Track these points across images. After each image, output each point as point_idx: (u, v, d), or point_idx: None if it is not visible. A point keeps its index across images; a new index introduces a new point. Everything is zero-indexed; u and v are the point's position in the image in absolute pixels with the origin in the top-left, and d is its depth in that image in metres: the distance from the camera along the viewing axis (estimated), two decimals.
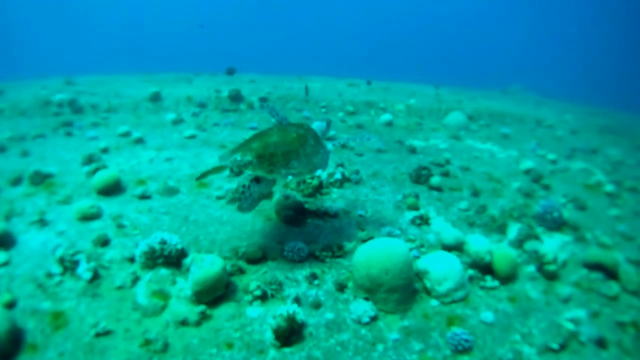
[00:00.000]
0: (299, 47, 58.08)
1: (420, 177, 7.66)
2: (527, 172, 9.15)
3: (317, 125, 6.78)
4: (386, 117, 11.89)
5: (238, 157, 4.38)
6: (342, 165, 8.04)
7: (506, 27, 71.12)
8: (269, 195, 6.55)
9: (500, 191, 7.95)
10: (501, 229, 6.47)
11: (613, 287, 5.73)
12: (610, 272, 5.91)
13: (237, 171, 4.90)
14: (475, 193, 7.58)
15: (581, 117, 17.25)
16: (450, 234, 5.69)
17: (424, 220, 6.30)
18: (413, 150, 9.52)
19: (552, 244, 6.48)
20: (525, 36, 69.18)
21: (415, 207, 6.69)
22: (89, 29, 58.51)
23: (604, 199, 8.74)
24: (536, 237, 6.28)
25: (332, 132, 9.63)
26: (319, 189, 6.90)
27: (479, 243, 5.30)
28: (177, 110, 11.46)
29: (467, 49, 66.69)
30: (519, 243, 6.15)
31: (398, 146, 9.84)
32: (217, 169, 4.69)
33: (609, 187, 9.02)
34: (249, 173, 4.49)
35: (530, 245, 6.02)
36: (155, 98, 12.01)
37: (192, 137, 9.36)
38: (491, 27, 71.98)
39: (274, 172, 4.41)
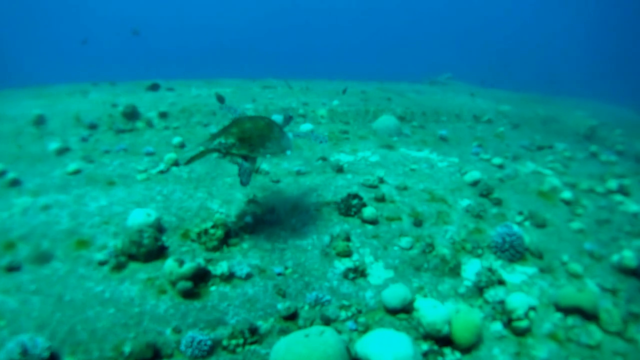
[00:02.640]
0: (209, 47, 56.33)
1: (350, 208, 6.81)
2: (474, 184, 8.57)
3: (275, 118, 7.75)
4: (306, 127, 10.95)
5: (222, 140, 5.53)
6: (254, 200, 7.03)
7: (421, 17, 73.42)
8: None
9: (446, 215, 7.27)
10: (454, 272, 5.78)
11: (594, 334, 5.28)
12: (588, 314, 5.43)
13: (224, 152, 5.61)
14: (418, 222, 6.84)
15: (519, 107, 17.22)
16: (395, 293, 4.87)
17: (359, 273, 5.49)
18: (340, 169, 8.65)
19: (515, 279, 5.98)
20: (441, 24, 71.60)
21: (347, 253, 5.84)
22: None
23: (562, 209, 8.40)
24: (499, 281, 5.55)
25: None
26: (225, 239, 5.88)
27: (433, 312, 4.53)
28: (63, 135, 9.98)
29: (388, 40, 68.08)
30: (478, 291, 5.42)
31: (321, 165, 8.95)
32: (204, 153, 5.70)
33: (566, 194, 8.69)
34: (235, 151, 5.48)
35: (492, 293, 5.32)
36: (39, 121, 10.43)
37: (77, 172, 8.12)
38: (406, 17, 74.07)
39: (254, 152, 5.54)
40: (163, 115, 11.24)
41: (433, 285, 5.55)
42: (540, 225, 7.53)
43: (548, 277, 6.14)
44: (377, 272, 5.66)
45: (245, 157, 5.75)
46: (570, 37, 62.16)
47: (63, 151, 9.06)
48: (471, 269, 5.97)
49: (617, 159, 12.20)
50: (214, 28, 65.48)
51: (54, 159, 8.73)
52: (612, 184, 9.70)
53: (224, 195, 7.35)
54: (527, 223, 7.56)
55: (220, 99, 12.53)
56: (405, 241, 6.26)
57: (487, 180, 8.89)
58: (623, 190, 9.58)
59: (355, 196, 6.96)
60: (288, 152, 6.04)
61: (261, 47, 59.60)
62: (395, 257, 6.02)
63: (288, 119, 7.28)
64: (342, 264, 5.72)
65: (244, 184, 5.76)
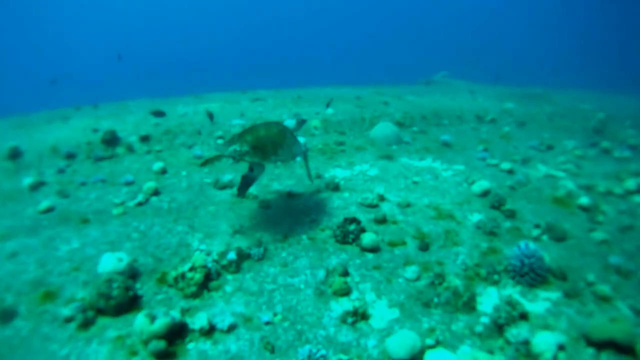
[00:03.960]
0: (199, 61, 55.72)
1: (347, 235, 6.07)
2: (484, 195, 7.84)
3: (288, 123, 7.45)
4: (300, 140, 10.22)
5: (237, 147, 5.66)
6: (240, 231, 6.36)
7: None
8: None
9: (455, 234, 6.54)
10: (469, 306, 5.03)
11: None
12: (623, 348, 4.65)
13: (237, 159, 5.78)
14: (424, 245, 6.11)
15: (523, 104, 16.52)
16: (401, 341, 4.14)
17: (359, 315, 4.71)
18: (335, 187, 7.93)
19: (539, 308, 5.20)
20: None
21: (345, 292, 5.11)
22: None
23: (581, 216, 7.70)
24: (521, 315, 4.77)
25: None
26: (205, 282, 5.15)
27: None
28: (40, 168, 9.31)
29: (380, 44, 67.70)
30: (498, 329, 4.64)
31: (315, 183, 8.18)
32: (218, 157, 5.90)
33: (584, 200, 7.95)
34: (249, 158, 5.67)
35: (515, 332, 4.55)
36: (14, 154, 9.69)
37: (50, 210, 7.47)
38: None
39: (266, 160, 5.71)
40: (145, 138, 10.56)
41: (445, 324, 4.80)
42: (560, 238, 6.79)
43: (574, 303, 5.38)
44: (381, 312, 4.92)
45: (256, 166, 6.21)
46: (565, 25, 61.69)
47: (37, 186, 8.38)
48: (488, 300, 5.22)
49: (631, 155, 11.50)
50: (203, 41, 64.84)
51: (27, 196, 8.05)
52: (631, 183, 9.01)
53: (207, 227, 6.65)
54: (545, 237, 6.83)
55: (210, 115, 11.84)
56: (411, 271, 5.52)
57: (498, 189, 8.19)
58: None
59: (353, 220, 6.22)
60: (298, 159, 6.31)
61: (252, 58, 59.04)
62: (401, 292, 5.28)
63: (300, 123, 7.47)
64: (339, 305, 4.98)
65: (240, 196, 6.42)
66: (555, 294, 5.49)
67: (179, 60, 55.48)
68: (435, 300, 5.07)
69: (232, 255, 5.62)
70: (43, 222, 7.00)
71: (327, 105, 8.25)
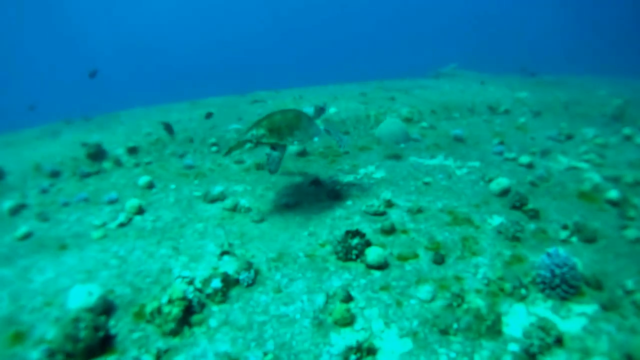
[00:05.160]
0: (198, 66, 55.19)
1: (350, 250, 5.31)
2: (503, 194, 7.07)
3: (306, 110, 7.88)
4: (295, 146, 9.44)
5: (254, 132, 6.17)
6: (228, 251, 5.61)
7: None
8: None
9: (474, 242, 5.79)
10: (494, 330, 4.24)
11: None
12: None
13: (255, 142, 6.10)
14: (439, 257, 5.35)
15: (537, 93, 15.59)
16: None
17: (364, 351, 3.95)
18: (337, 195, 7.16)
19: (574, 327, 4.45)
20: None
21: (347, 321, 4.36)
22: None
23: (610, 212, 6.98)
24: (556, 340, 3.97)
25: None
26: (186, 317, 4.41)
27: None
28: (23, 189, 8.66)
29: (385, 37, 66.90)
30: (529, 358, 3.82)
31: (314, 190, 7.46)
32: (240, 144, 6.49)
33: (612, 194, 7.20)
34: (266, 140, 6.12)
35: None
36: None
37: (27, 236, 6.84)
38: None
39: (282, 140, 6.12)
40: (132, 150, 9.89)
41: (467, 356, 4.03)
42: (590, 239, 6.03)
43: (614, 317, 4.62)
44: (390, 345, 4.16)
45: (274, 146, 6.32)
46: (575, 12, 60.59)
47: (18, 209, 7.75)
48: (516, 320, 4.45)
49: None
50: (203, 45, 64.22)
51: (6, 221, 7.44)
52: None
53: (193, 249, 5.96)
54: (574, 239, 6.07)
55: (210, 114, 11.53)
56: (424, 291, 4.76)
57: (518, 187, 7.45)
58: None
59: (356, 233, 5.47)
60: (315, 139, 6.63)
61: (252, 58, 58.38)
62: (413, 317, 4.52)
63: (319, 111, 7.66)
64: (341, 338, 4.24)
65: (272, 172, 6.31)
66: (591, 307, 4.75)
67: (175, 65, 55.06)
68: (455, 325, 4.30)
69: (216, 283, 4.90)
70: (19, 250, 6.37)
71: (320, 111, 7.61)
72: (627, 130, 11.06)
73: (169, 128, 10.66)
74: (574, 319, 4.55)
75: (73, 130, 12.52)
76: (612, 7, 58.63)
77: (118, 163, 9.55)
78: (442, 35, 61.36)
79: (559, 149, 9.92)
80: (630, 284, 5.03)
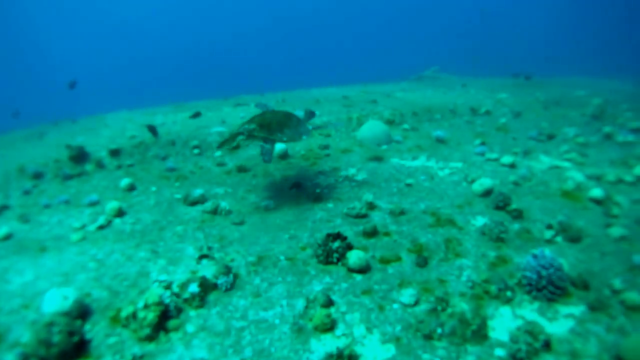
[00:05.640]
0: (183, 70, 54.82)
1: (330, 254, 5.10)
2: (486, 194, 6.92)
3: (297, 114, 7.80)
4: (278, 147, 9.21)
5: (246, 126, 6.59)
6: (207, 255, 5.39)
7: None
8: None
9: (457, 243, 5.62)
10: (479, 335, 4.06)
11: None
12: None
13: (247, 135, 6.41)
14: (422, 259, 5.17)
15: (517, 94, 15.58)
16: None
17: (345, 358, 3.70)
18: (317, 198, 6.97)
19: (562, 329, 4.30)
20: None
21: (328, 327, 4.14)
22: None
23: (594, 211, 6.87)
24: (544, 344, 3.79)
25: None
26: (162, 322, 4.19)
27: None
28: (6, 190, 8.41)
29: (368, 42, 67.13)
30: None
31: (295, 193, 7.28)
32: (233, 136, 6.64)
33: (596, 192, 7.10)
34: (256, 133, 6.50)
35: None
36: None
37: (7, 237, 6.62)
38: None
39: (272, 135, 6.56)
40: (115, 153, 9.62)
41: None
42: (575, 239, 5.90)
43: (602, 317, 4.47)
44: (372, 351, 3.96)
45: (265, 140, 6.66)
46: (555, 15, 61.23)
47: (0, 210, 7.46)
48: (502, 324, 4.28)
49: (634, 138, 10.63)
50: (189, 49, 63.77)
51: None
52: None
53: (172, 252, 5.74)
54: (559, 238, 5.93)
55: (197, 114, 11.67)
56: (407, 294, 4.56)
57: (501, 187, 7.33)
58: None
59: (337, 236, 5.27)
60: (304, 137, 7.03)
61: (236, 64, 58.05)
62: (396, 321, 4.31)
63: (310, 114, 7.95)
64: (321, 345, 4.03)
65: (266, 161, 6.62)
66: (578, 308, 4.60)
67: (162, 68, 54.69)
68: (439, 330, 4.11)
69: (194, 288, 4.67)
70: (0, 252, 6.06)
71: (310, 115, 7.67)
72: (607, 129, 11.03)
73: (153, 130, 10.43)
74: (561, 321, 4.40)
75: (59, 132, 12.38)
76: (594, 11, 59.38)
77: (100, 165, 9.31)
78: (425, 40, 61.62)
79: (541, 148, 9.82)
80: (617, 283, 4.90)
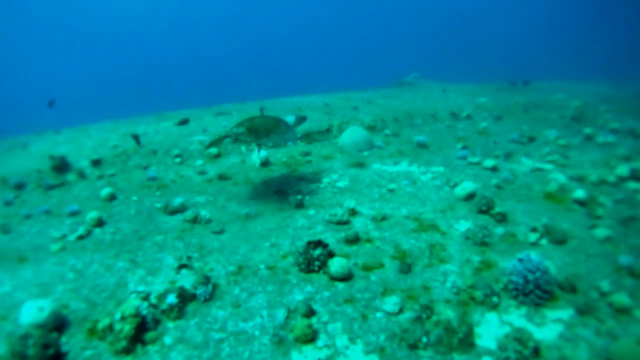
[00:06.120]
0: (167, 80, 54.52)
1: (312, 262, 4.90)
2: (469, 198, 6.80)
3: (288, 119, 7.98)
4: (260, 154, 9.02)
5: (235, 130, 6.64)
6: (186, 264, 5.18)
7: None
8: None
9: (441, 248, 5.47)
10: (466, 343, 3.90)
11: None
12: None
13: (234, 139, 6.56)
14: (405, 266, 5.00)
15: (497, 98, 15.61)
16: None
17: None
18: (299, 204, 6.78)
19: (550, 335, 4.15)
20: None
21: (309, 338, 3.95)
22: None
23: (578, 212, 6.80)
24: (533, 353, 3.63)
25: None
26: (139, 334, 3.97)
27: None
28: None
29: (349, 49, 67.40)
30: None
31: (277, 200, 7.07)
32: (221, 139, 7.01)
33: (579, 193, 7.00)
34: (243, 138, 6.64)
35: None
36: None
37: None
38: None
39: (258, 140, 6.73)
40: (96, 162, 9.44)
41: None
42: (560, 241, 5.80)
43: (591, 321, 4.35)
44: None
45: (250, 144, 7.13)
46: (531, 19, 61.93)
47: None
48: (489, 331, 4.12)
49: (615, 139, 10.61)
50: (174, 60, 63.50)
51: None
52: (622, 169, 8.14)
53: (151, 262, 5.53)
54: (544, 241, 5.80)
55: (185, 121, 11.21)
56: (391, 302, 4.38)
57: (483, 190, 7.20)
58: (636, 175, 7.99)
59: (318, 244, 5.08)
60: (290, 144, 7.06)
61: (219, 73, 57.84)
62: (380, 331, 4.13)
63: (300, 120, 8.19)
64: (303, 356, 3.84)
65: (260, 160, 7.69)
66: (566, 312, 4.47)
67: (146, 78, 54.36)
68: (424, 339, 3.93)
69: (171, 299, 4.45)
70: None
71: (301, 120, 7.73)
72: (588, 130, 11.02)
73: (137, 139, 10.24)
74: (549, 326, 4.25)
75: (42, 142, 12.23)
76: (569, 17, 60.19)
77: (82, 175, 9.12)
78: (406, 47, 61.93)
79: (522, 151, 9.75)
80: (605, 285, 4.79)
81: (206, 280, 4.80)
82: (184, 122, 11.06)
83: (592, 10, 56.60)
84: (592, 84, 19.78)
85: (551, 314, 4.43)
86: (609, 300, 4.59)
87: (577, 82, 20.54)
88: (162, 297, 4.55)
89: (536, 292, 4.46)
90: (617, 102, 15.39)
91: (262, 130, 6.72)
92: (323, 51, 68.03)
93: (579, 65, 30.56)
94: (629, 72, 23.94)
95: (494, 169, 8.37)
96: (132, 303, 4.33)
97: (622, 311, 4.47)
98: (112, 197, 7.82)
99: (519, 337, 3.77)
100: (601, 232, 6.03)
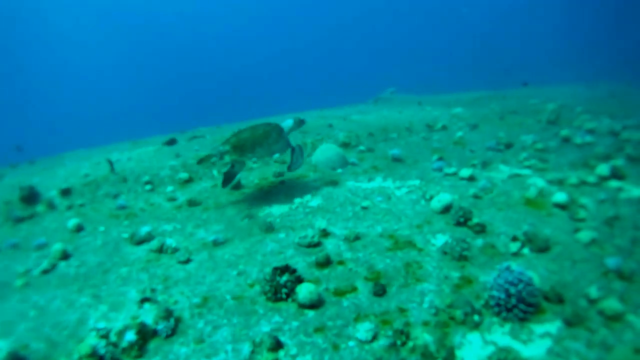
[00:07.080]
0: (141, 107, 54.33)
1: (279, 289, 4.51)
2: (445, 210, 6.47)
3: (286, 123, 7.81)
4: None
5: (221, 148, 6.86)
6: (149, 298, 4.77)
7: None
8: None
9: (418, 267, 5.11)
10: None
11: None
12: None
13: (219, 157, 6.66)
14: (380, 288, 4.64)
15: (472, 107, 15.51)
16: None
17: None
18: (269, 228, 6.42)
19: (538, 352, 3.80)
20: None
21: None
22: None
23: (560, 216, 6.54)
24: None
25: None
26: None
27: None
28: None
29: (325, 67, 67.65)
30: None
31: (247, 224, 6.75)
32: (208, 157, 6.98)
33: (559, 197, 6.73)
34: (228, 157, 6.85)
35: None
36: None
37: None
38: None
39: (243, 157, 6.88)
40: (65, 192, 9.09)
41: None
42: (543, 248, 5.49)
43: (581, 333, 4.01)
44: None
45: (234, 163, 7.26)
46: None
47: None
48: (471, 354, 3.78)
49: (592, 139, 10.45)
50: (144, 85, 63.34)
51: None
52: (603, 169, 7.90)
53: (114, 296, 5.14)
54: (525, 250, 5.48)
55: (172, 140, 11.98)
56: (364, 329, 4.00)
57: (460, 202, 6.89)
58: (617, 174, 7.81)
59: (285, 269, 4.70)
60: (275, 156, 7.08)
61: (194, 96, 57.83)
62: None
63: (299, 123, 7.99)
64: None
65: (225, 186, 7.65)
66: (554, 325, 4.14)
67: (122, 104, 54.32)
68: None
69: (130, 336, 4.05)
70: None
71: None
72: (564, 132, 10.85)
73: (111, 164, 10.02)
74: (537, 342, 3.91)
75: (16, 174, 11.95)
76: (545, 23, 61.04)
77: (51, 206, 8.72)
78: (384, 61, 62.33)
79: (500, 158, 9.50)
80: (593, 291, 4.46)
81: (168, 314, 4.40)
82: (171, 142, 10.78)
83: (566, 14, 57.54)
84: (568, 86, 19.80)
85: (538, 328, 4.08)
86: (599, 308, 4.26)
87: (552, 86, 20.55)
88: (121, 334, 4.17)
89: (520, 306, 4.12)
90: (593, 102, 15.35)
91: (248, 145, 6.85)
92: (301, 70, 68.24)
93: (553, 71, 30.80)
94: (603, 73, 24.17)
95: (471, 178, 8.08)
96: (89, 342, 3.98)
97: (613, 318, 4.15)
98: (79, 228, 7.42)
99: (504, 358, 3.41)
100: (585, 235, 5.74)
